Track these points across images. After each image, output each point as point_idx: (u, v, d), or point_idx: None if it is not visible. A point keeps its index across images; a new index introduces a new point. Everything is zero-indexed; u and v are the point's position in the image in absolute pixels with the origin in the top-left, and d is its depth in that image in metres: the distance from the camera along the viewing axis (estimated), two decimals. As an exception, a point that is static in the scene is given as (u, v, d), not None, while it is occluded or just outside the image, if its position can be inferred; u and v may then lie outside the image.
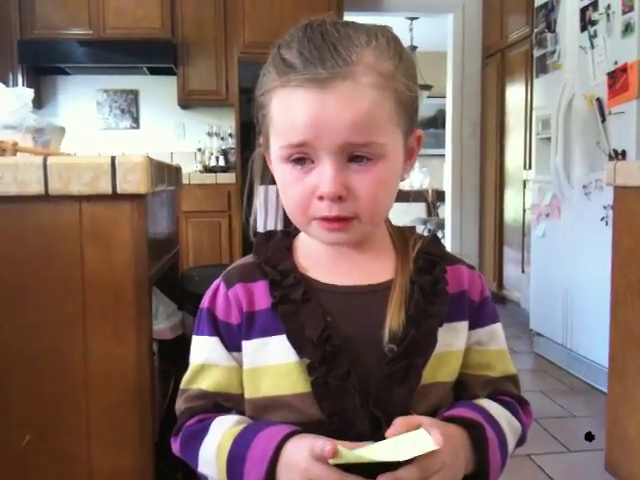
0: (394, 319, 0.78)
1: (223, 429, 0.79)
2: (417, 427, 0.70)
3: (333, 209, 0.75)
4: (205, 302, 0.85)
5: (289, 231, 0.89)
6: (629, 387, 1.95)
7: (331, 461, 0.66)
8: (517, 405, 0.87)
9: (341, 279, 0.82)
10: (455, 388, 0.87)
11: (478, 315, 0.86)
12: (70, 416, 1.31)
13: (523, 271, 4.22)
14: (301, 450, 0.69)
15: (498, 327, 0.89)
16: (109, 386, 1.31)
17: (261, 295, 0.82)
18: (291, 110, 0.74)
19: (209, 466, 0.79)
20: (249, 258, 0.87)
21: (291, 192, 0.78)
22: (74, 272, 1.29)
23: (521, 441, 0.87)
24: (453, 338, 0.83)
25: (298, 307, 0.79)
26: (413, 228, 0.91)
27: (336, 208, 0.75)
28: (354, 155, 0.75)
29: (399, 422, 0.70)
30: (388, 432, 0.70)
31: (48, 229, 1.29)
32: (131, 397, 1.31)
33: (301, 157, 0.76)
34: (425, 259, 0.83)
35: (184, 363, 0.88)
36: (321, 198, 0.75)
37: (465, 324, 0.85)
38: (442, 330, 0.81)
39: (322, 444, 0.66)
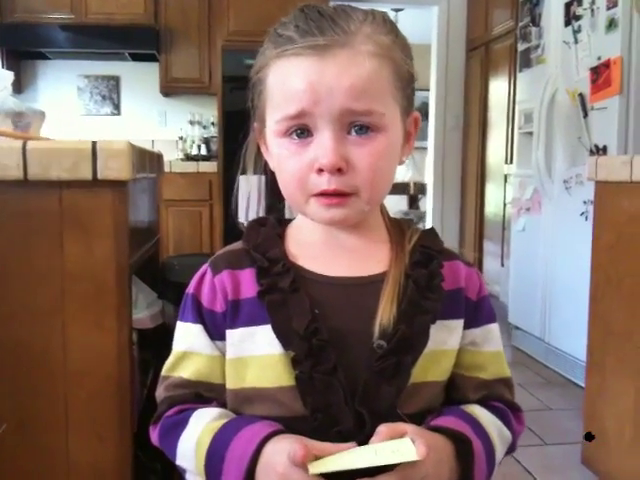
0: (385, 314, 0.75)
1: (202, 424, 0.77)
2: (402, 435, 0.68)
3: (332, 182, 0.73)
4: (191, 288, 0.83)
5: (283, 218, 0.87)
6: (606, 381, 1.97)
7: (311, 471, 0.64)
8: (509, 412, 0.84)
9: (332, 269, 0.80)
10: (446, 388, 0.84)
11: (474, 314, 0.83)
12: (48, 405, 1.29)
13: (503, 265, 4.25)
14: (280, 453, 0.67)
15: (494, 328, 0.86)
16: (88, 376, 1.29)
17: (248, 283, 0.79)
18: (288, 78, 0.73)
19: (187, 460, 0.77)
20: (238, 244, 0.84)
21: (289, 166, 0.76)
22: (53, 259, 1.27)
23: (511, 449, 0.85)
24: (447, 336, 0.80)
25: (285, 296, 0.76)
26: (410, 221, 0.88)
27: (335, 181, 0.73)
28: (354, 125, 0.73)
29: (383, 429, 0.69)
30: (372, 440, 0.68)
31: (27, 215, 1.26)
32: (111, 387, 1.30)
33: (299, 130, 0.74)
34: (422, 252, 0.80)
35: (164, 352, 0.87)
36: (320, 171, 0.73)
37: (460, 322, 0.82)
38: (435, 327, 0.78)
39: (294, 450, 0.65)
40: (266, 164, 0.85)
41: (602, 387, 1.99)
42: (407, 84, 0.78)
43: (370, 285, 0.79)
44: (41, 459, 1.30)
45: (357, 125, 0.73)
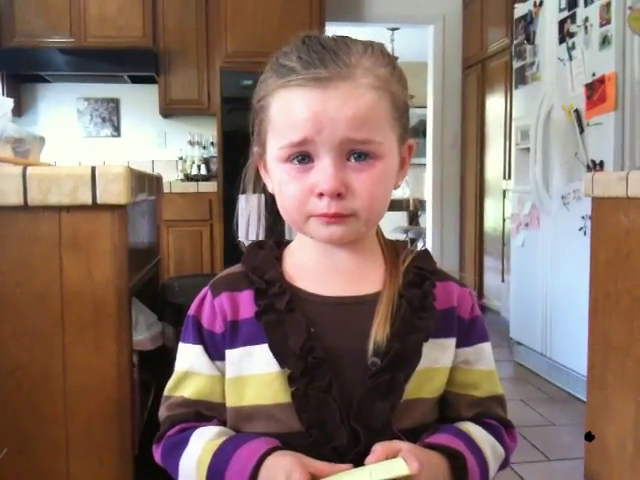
0: (379, 332, 0.77)
1: (203, 442, 0.79)
2: (396, 453, 0.70)
3: (332, 206, 0.76)
4: (192, 310, 0.86)
5: (281, 241, 0.89)
6: (608, 396, 1.96)
7: None
8: (502, 429, 0.86)
9: (328, 289, 0.82)
10: (440, 406, 0.86)
11: (467, 334, 0.86)
12: (48, 429, 1.30)
13: (503, 280, 4.25)
14: (279, 473, 0.69)
15: (487, 347, 0.88)
16: (88, 398, 1.30)
17: (246, 304, 0.82)
18: (292, 108, 0.76)
19: (189, 479, 0.79)
20: (237, 267, 0.87)
21: (289, 190, 0.78)
22: (53, 283, 1.28)
23: (503, 465, 0.86)
24: (439, 354, 0.83)
25: (282, 317, 0.78)
26: (406, 243, 0.90)
27: (335, 205, 0.75)
28: (353, 152, 0.76)
29: (378, 448, 0.71)
30: (367, 459, 0.70)
31: (27, 240, 1.28)
32: (111, 409, 1.30)
33: (300, 156, 0.77)
34: (415, 273, 0.83)
35: (164, 374, 0.88)
36: (320, 196, 0.76)
37: (452, 341, 0.84)
38: (428, 346, 0.80)
39: (297, 478, 0.67)
40: (264, 186, 0.88)
41: (603, 402, 1.99)
42: (403, 114, 0.82)
43: (364, 304, 0.81)
44: (42, 483, 1.30)
45: (356, 153, 0.76)
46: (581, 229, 2.91)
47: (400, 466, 0.67)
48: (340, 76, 0.74)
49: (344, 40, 0.79)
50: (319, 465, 0.70)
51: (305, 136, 0.75)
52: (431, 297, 0.81)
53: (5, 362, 1.29)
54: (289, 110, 0.76)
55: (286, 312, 0.79)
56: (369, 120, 0.75)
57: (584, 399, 2.31)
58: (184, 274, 3.50)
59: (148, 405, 1.68)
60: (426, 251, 0.89)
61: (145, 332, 1.62)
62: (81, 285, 1.28)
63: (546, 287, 3.30)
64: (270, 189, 0.85)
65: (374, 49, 0.79)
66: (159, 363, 1.64)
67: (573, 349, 2.95)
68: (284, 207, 0.81)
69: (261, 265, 0.83)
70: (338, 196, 0.75)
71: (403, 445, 0.72)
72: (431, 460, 0.73)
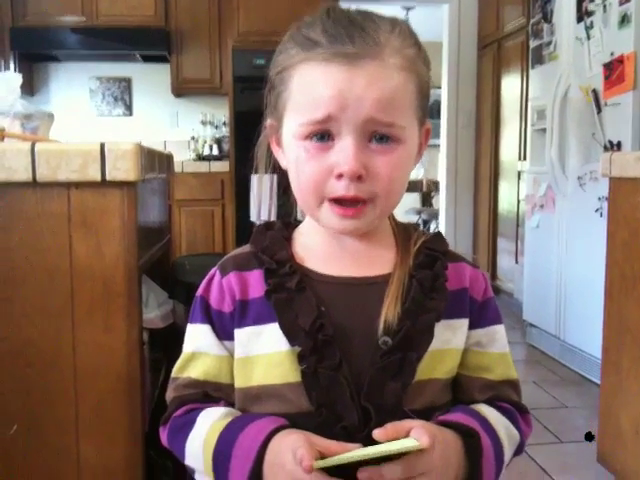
0: (390, 311, 0.76)
1: (209, 423, 0.78)
2: (408, 431, 0.68)
3: (351, 189, 0.73)
4: (200, 290, 0.85)
5: (289, 222, 0.88)
6: (622, 379, 1.94)
7: (315, 465, 0.65)
8: (517, 414, 0.85)
9: (338, 270, 0.81)
10: (453, 389, 0.85)
11: (479, 315, 0.84)
12: (59, 406, 1.30)
13: (517, 262, 4.22)
14: (286, 451, 0.68)
15: (500, 329, 0.87)
16: (98, 376, 1.30)
17: (256, 284, 0.80)
18: (316, 84, 0.73)
19: (196, 460, 0.78)
20: (246, 248, 0.86)
21: (306, 169, 0.76)
22: (62, 260, 1.27)
23: (519, 450, 0.85)
24: (451, 335, 0.81)
25: (292, 295, 0.77)
26: (417, 225, 0.89)
27: (354, 188, 0.73)
28: (376, 134, 0.73)
29: (390, 426, 0.69)
30: (375, 432, 0.68)
31: (36, 217, 1.27)
32: (121, 387, 1.30)
33: (320, 134, 0.74)
34: (426, 254, 0.81)
35: (175, 352, 0.87)
36: (340, 177, 0.73)
37: (465, 322, 0.82)
38: (440, 326, 0.78)
39: (301, 455, 0.65)
40: (276, 162, 0.86)
41: (618, 386, 1.97)
42: (426, 96, 0.80)
43: (375, 285, 0.79)
44: (52, 459, 1.31)
45: (379, 135, 0.74)
46: (597, 210, 2.88)
47: (411, 441, 0.66)
48: (368, 54, 0.71)
49: (370, 16, 0.76)
50: (327, 443, 0.69)
51: (329, 113, 0.72)
52: (442, 278, 0.80)
53: (15, 339, 1.29)
54: (313, 86, 0.73)
55: (296, 291, 0.77)
56: (395, 103, 0.73)
57: (597, 382, 2.30)
58: (195, 253, 3.50)
59: (159, 383, 1.68)
60: (438, 233, 0.87)
61: (156, 310, 1.61)
62: (91, 262, 1.27)
63: (560, 269, 3.27)
64: (283, 165, 0.83)
65: (402, 28, 0.76)
66: (170, 341, 1.64)
67: (587, 332, 2.93)
68: (299, 186, 0.78)
69: (271, 245, 0.82)
70: (358, 179, 0.73)
71: (415, 422, 0.70)
72: (444, 437, 0.72)
